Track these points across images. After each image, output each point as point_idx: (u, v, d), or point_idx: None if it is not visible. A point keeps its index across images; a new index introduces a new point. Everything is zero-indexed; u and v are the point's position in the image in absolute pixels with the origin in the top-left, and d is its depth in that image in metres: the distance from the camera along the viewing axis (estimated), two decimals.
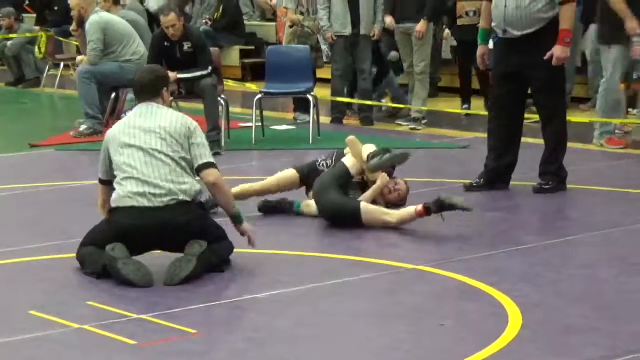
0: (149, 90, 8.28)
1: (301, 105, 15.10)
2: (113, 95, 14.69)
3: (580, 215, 10.13)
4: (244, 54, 19.83)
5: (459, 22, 15.15)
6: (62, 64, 19.81)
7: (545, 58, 10.27)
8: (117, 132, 8.17)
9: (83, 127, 14.21)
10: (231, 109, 14.24)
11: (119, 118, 14.81)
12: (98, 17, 14.42)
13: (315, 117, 13.98)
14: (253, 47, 19.74)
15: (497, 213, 10.25)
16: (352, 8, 14.67)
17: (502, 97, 10.82)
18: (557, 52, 10.27)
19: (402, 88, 15.96)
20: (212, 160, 8.14)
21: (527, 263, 8.45)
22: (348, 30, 14.77)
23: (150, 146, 7.93)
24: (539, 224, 9.95)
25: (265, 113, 14.35)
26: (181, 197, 7.92)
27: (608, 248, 8.90)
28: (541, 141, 10.81)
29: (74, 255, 8.20)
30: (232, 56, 19.68)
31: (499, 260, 8.52)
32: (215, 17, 19.63)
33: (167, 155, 7.93)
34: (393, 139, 13.87)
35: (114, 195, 8.03)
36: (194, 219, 7.99)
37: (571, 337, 6.76)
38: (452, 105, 15.79)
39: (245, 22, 20.19)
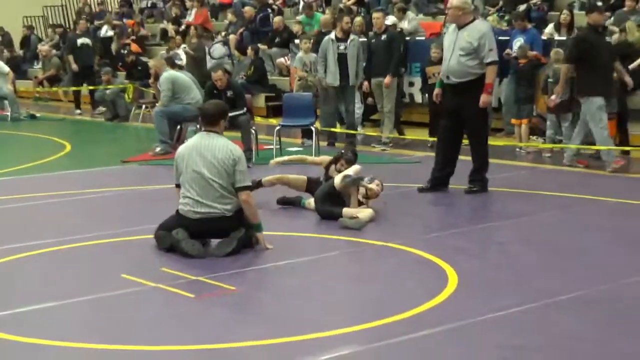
0: (210, 119, 8.19)
1: (307, 133, 15.06)
2: (178, 127, 14.67)
3: (497, 208, 10.08)
4: (267, 99, 19.75)
5: (429, 82, 14.84)
6: (143, 106, 19.78)
7: (479, 104, 10.31)
8: (185, 153, 8.11)
9: (158, 149, 14.17)
10: (259, 136, 14.20)
11: (182, 142, 14.77)
12: (168, 74, 14.41)
13: (316, 141, 13.94)
14: (274, 94, 19.66)
15: (441, 207, 10.22)
16: (341, 67, 14.61)
17: (446, 126, 10.76)
18: (483, 98, 10.26)
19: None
20: (248, 184, 8.05)
21: (462, 241, 8.41)
22: (337, 82, 14.69)
23: (206, 175, 7.86)
24: (469, 215, 9.90)
25: (282, 139, 14.31)
26: (226, 214, 7.91)
27: (517, 230, 8.87)
28: (470, 158, 10.79)
29: (152, 236, 8.18)
30: (260, 100, 19.60)
31: (443, 239, 8.49)
32: (248, 73, 19.60)
33: (217, 183, 7.86)
34: (370, 155, 13.83)
35: (180, 205, 8.01)
36: (234, 223, 7.95)
37: (492, 291, 6.77)
38: (412, 134, 15.69)
39: (269, 77, 20.15)
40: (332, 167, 10.07)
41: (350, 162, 9.90)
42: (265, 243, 8.07)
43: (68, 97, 24.05)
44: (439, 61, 12.43)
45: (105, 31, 24.29)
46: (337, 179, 9.37)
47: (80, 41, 21.81)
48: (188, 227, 7.91)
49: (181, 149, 8.30)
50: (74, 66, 21.67)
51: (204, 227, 7.93)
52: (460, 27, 10.45)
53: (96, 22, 25.84)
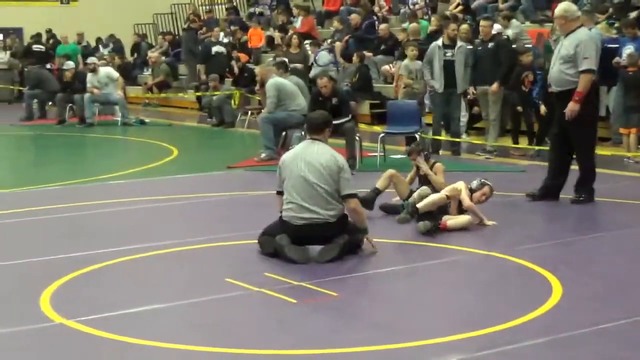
0: (315, 127, 8.31)
1: (411, 141, 14.99)
2: (283, 133, 14.80)
3: (604, 219, 9.92)
4: (372, 106, 19.76)
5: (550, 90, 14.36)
6: (249, 112, 19.97)
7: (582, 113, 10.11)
8: (289, 160, 8.19)
9: (263, 155, 14.28)
10: (363, 143, 14.20)
11: (287, 149, 14.91)
12: (274, 81, 14.54)
13: None
14: (379, 101, 19.67)
15: (545, 216, 10.08)
16: (447, 74, 14.59)
17: (556, 135, 10.68)
18: (569, 106, 10.07)
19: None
20: (354, 191, 8.11)
21: (567, 251, 8.32)
22: (441, 89, 14.65)
23: (311, 179, 7.93)
24: (575, 225, 9.74)
25: (387, 146, 14.32)
26: (330, 220, 7.95)
27: (623, 242, 8.69)
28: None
29: (256, 241, 8.26)
30: (364, 108, 19.65)
31: (547, 249, 8.39)
32: (352, 80, 19.65)
33: (322, 188, 7.91)
34: (474, 164, 13.76)
35: (284, 212, 8.08)
36: (338, 230, 8.00)
37: (597, 303, 6.66)
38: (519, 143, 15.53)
39: (373, 84, 20.18)
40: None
41: (412, 152, 10.14)
42: (372, 242, 8.13)
43: (183, 104, 24.52)
44: None
45: (222, 38, 24.54)
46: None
47: (214, 49, 22.07)
48: (291, 234, 7.98)
49: (285, 156, 8.37)
50: (203, 76, 21.97)
51: (307, 233, 7.97)
52: (565, 35, 10.38)
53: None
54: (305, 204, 7.95)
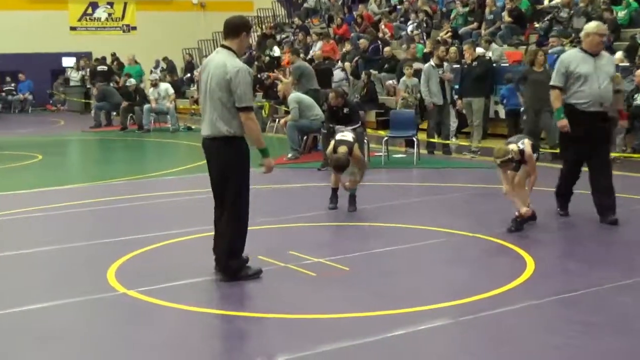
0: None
1: (409, 143, 14.97)
2: (305, 137, 14.83)
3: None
4: (377, 115, 19.74)
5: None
6: (277, 120, 19.94)
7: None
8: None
9: (290, 155, 14.28)
10: (371, 145, 14.16)
11: (309, 151, 14.94)
12: (295, 96, 14.58)
13: (417, 150, 13.86)
14: (382, 111, 19.65)
15: None
16: (442, 88, 14.57)
17: (581, 152, 8.59)
18: (623, 124, 9.40)
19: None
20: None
21: (539, 233, 8.25)
22: (440, 101, 14.62)
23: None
24: (546, 212, 9.66)
25: (389, 147, 14.28)
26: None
27: (587, 225, 8.61)
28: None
29: (289, 225, 8.22)
30: (371, 116, 19.62)
31: (523, 231, 8.28)
32: (361, 94, 19.64)
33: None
34: (460, 161, 13.72)
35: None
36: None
37: (563, 276, 6.63)
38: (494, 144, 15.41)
39: (379, 97, 20.13)
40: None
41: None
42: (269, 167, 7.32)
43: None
44: None
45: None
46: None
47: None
48: None
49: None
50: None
51: None
52: (597, 54, 8.59)
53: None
54: None
